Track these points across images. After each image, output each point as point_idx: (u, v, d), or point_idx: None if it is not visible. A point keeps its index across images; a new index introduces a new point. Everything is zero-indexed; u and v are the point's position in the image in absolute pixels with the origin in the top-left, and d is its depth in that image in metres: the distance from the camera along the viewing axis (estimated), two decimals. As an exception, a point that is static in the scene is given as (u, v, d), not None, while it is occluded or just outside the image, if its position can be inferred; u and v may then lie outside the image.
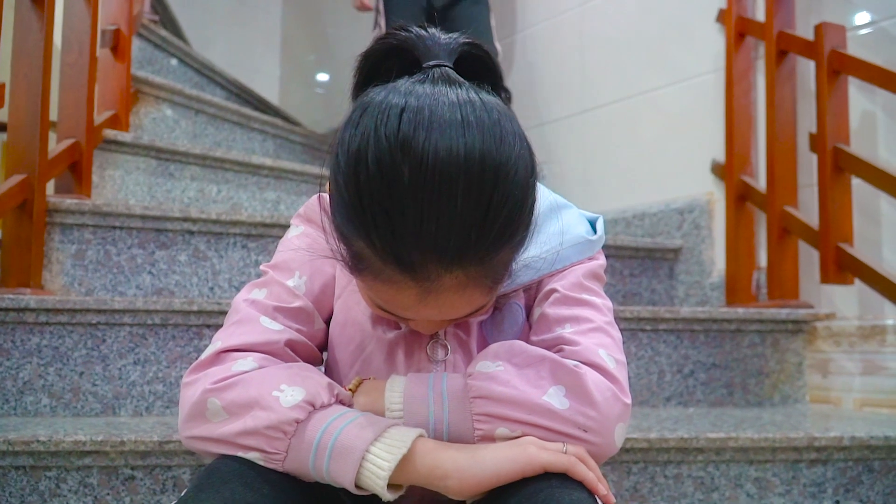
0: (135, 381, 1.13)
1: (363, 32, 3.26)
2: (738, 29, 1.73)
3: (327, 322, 0.69)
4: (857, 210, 1.48)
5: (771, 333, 1.47)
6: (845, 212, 1.44)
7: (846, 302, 1.53)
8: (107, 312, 1.13)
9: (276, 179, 1.83)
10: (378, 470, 0.52)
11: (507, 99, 0.62)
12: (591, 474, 0.54)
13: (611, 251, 1.71)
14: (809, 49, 1.52)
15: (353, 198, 0.51)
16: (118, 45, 1.65)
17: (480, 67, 0.61)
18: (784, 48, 1.60)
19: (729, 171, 1.71)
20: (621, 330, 0.69)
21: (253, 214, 1.42)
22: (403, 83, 0.54)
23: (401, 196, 0.49)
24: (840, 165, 1.44)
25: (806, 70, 1.63)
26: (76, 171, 1.45)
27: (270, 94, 3.63)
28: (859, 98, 1.53)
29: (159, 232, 1.38)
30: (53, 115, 1.40)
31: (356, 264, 0.54)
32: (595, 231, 0.71)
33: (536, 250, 0.66)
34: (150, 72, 2.02)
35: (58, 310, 1.12)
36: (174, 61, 2.10)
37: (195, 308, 1.15)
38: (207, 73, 2.25)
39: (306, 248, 0.68)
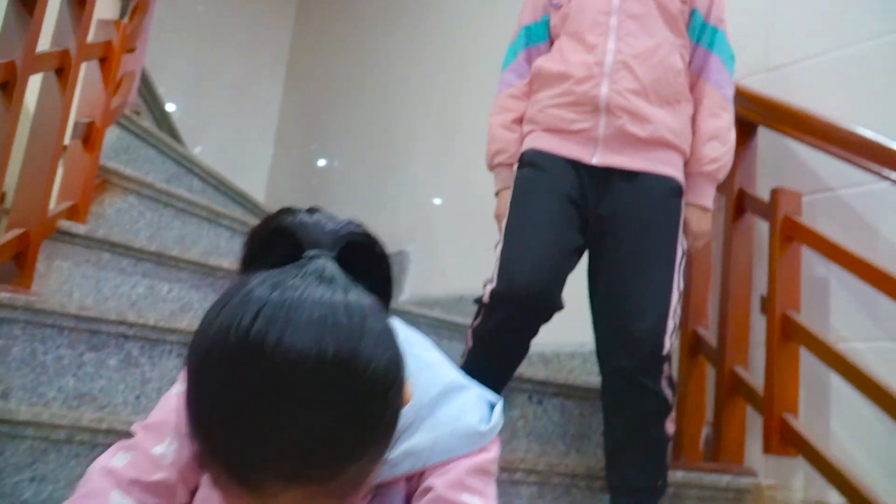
0: (27, 501, 1.07)
1: (361, 121, 3.34)
2: (702, 181, 1.76)
3: (194, 491, 0.66)
4: (807, 377, 1.46)
5: (712, 500, 1.42)
6: (792, 381, 1.42)
7: (793, 471, 1.48)
8: (9, 422, 1.08)
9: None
10: None
11: (388, 295, 0.60)
12: None
13: (563, 389, 1.67)
14: (765, 211, 1.54)
15: (194, 392, 0.48)
16: (90, 137, 1.67)
17: (369, 258, 0.60)
18: (742, 206, 1.62)
19: (683, 322, 1.70)
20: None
21: (193, 323, 1.39)
22: (275, 274, 0.53)
23: (242, 402, 0.47)
24: (788, 334, 1.43)
25: (765, 230, 1.65)
26: (20, 262, 1.43)
27: (258, 185, 3.68)
28: (816, 263, 1.54)
29: (92, 333, 1.34)
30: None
31: (198, 458, 0.51)
32: (492, 416, 0.69)
33: (423, 437, 0.63)
34: (125, 160, 2.04)
35: (-42, 415, 1.07)
36: (152, 151, 2.12)
37: (104, 426, 1.10)
38: (186, 165, 2.28)
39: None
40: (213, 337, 0.49)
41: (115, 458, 0.63)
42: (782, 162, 1.67)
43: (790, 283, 1.47)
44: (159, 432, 0.64)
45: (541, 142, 1.33)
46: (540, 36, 1.42)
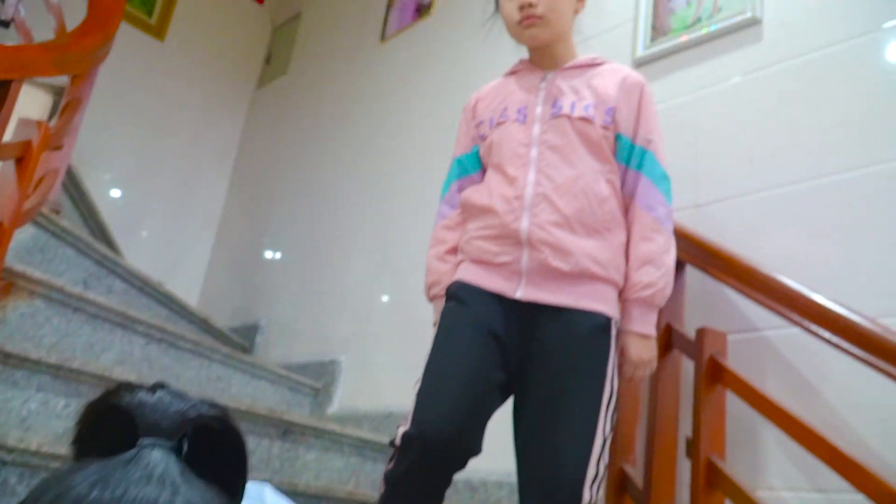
0: None
1: (303, 223, 3.30)
2: (631, 312, 1.75)
3: None
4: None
5: None
6: (717, 533, 1.36)
7: None
8: None
9: (138, 396, 1.69)
10: None
11: (240, 481, 0.53)
12: None
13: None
14: (691, 350, 1.53)
15: None
16: (-5, 239, 1.57)
17: (221, 440, 0.53)
18: (670, 342, 1.60)
19: (610, 457, 1.64)
20: None
21: (79, 450, 1.27)
22: (102, 467, 0.46)
23: None
24: (712, 481, 1.38)
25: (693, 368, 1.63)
26: None
27: (194, 280, 3.58)
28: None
29: (-37, 458, 1.22)
30: None
31: None
32: None
33: None
34: (39, 260, 1.94)
35: None
36: (71, 251, 2.03)
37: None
38: (107, 264, 2.18)
39: None
40: None
41: None
42: (711, 297, 1.67)
43: (715, 428, 1.43)
44: None
45: (468, 273, 1.31)
46: (472, 167, 1.43)
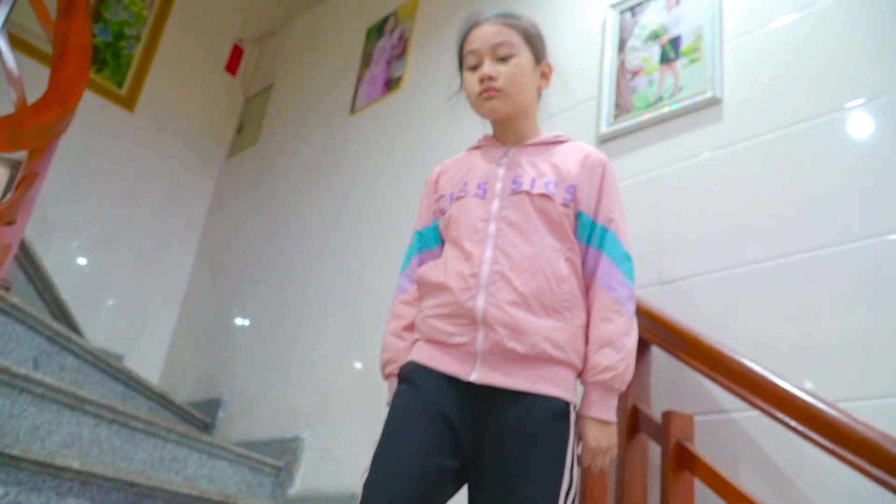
0: None
1: (269, 294, 3.23)
2: (598, 392, 1.71)
3: None
4: None
5: None
6: None
7: None
8: None
9: (82, 485, 1.60)
10: None
11: None
12: None
13: None
14: (658, 434, 1.48)
15: None
16: (-66, 320, 1.51)
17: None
18: (637, 425, 1.56)
19: (578, 547, 1.57)
20: None
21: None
22: None
23: None
24: (682, 576, 1.32)
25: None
26: None
27: (157, 352, 3.49)
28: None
29: None
30: None
31: None
32: None
33: None
34: (-15, 337, 1.86)
35: None
36: (20, 328, 1.96)
37: None
38: (59, 341, 2.10)
39: None
40: None
41: None
42: (679, 377, 1.64)
43: (684, 518, 1.38)
44: None
45: (422, 354, 1.26)
46: (432, 241, 1.40)
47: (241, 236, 3.55)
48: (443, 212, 1.37)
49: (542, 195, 1.28)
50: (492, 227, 1.27)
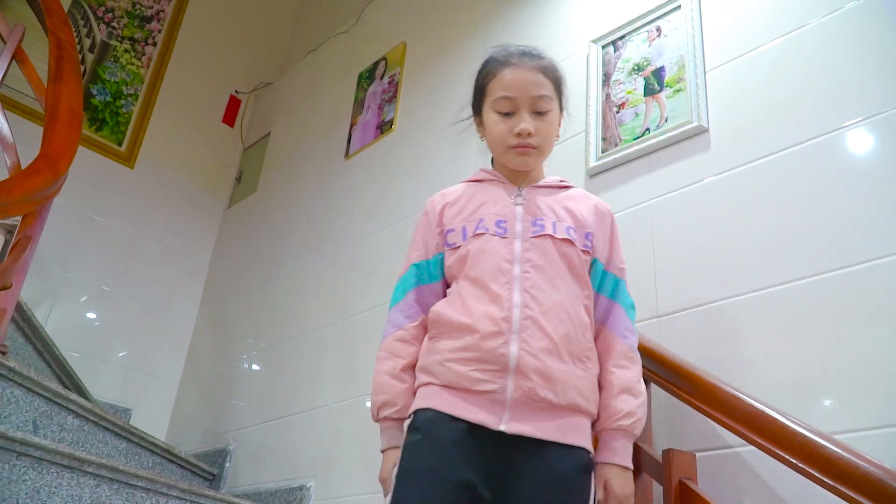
0: None
1: (272, 345, 3.23)
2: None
3: None
4: None
5: None
6: None
7: None
8: None
9: (79, 550, 1.58)
10: None
11: None
12: None
13: None
14: (659, 474, 1.45)
15: None
16: (-72, 390, 1.51)
17: None
18: (639, 465, 1.53)
19: None
20: None
21: None
22: None
23: None
24: None
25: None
26: None
27: (164, 404, 3.48)
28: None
29: None
30: None
31: None
32: None
33: None
34: (-17, 403, 1.86)
35: None
36: (19, 391, 1.96)
37: None
38: (59, 401, 2.10)
39: None
40: None
41: None
42: (679, 413, 1.61)
43: (690, 562, 1.34)
44: None
45: (441, 401, 1.17)
46: (432, 275, 1.33)
47: (243, 284, 3.56)
48: (452, 246, 1.30)
49: (566, 240, 1.26)
50: (517, 269, 1.22)
